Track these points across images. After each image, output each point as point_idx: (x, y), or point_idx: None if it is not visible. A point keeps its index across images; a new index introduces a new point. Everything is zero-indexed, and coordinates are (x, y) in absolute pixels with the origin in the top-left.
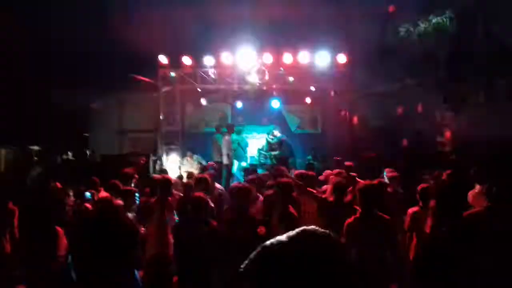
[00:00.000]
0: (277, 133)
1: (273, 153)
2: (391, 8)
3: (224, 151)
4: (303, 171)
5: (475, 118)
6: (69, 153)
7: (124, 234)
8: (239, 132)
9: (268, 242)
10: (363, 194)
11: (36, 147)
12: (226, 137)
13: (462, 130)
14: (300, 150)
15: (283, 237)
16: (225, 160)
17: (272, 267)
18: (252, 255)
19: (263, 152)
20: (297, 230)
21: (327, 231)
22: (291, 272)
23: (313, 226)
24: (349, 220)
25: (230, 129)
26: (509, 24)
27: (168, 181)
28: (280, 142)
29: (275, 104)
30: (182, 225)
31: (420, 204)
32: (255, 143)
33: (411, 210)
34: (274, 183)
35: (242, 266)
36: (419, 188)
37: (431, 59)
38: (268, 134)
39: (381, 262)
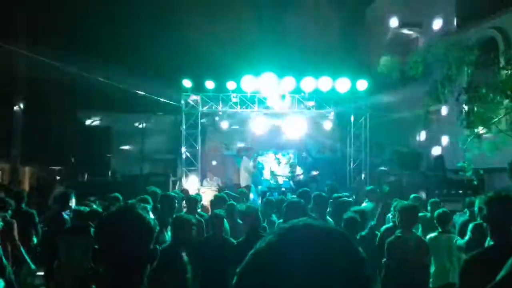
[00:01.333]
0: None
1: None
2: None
3: (243, 174)
4: None
5: (496, 143)
6: (86, 175)
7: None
8: (255, 157)
9: (258, 246)
10: None
11: (58, 167)
12: (246, 160)
13: (484, 155)
14: (320, 175)
15: (274, 235)
16: (243, 183)
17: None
18: (242, 268)
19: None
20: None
21: (330, 225)
22: (293, 267)
23: (305, 219)
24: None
25: (250, 153)
26: None
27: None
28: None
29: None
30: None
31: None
32: (269, 166)
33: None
34: None
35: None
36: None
37: (450, 84)
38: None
39: None
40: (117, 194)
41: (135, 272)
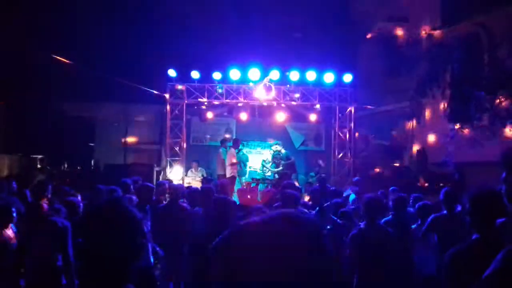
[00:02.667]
0: (281, 149)
1: (277, 169)
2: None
3: (228, 164)
4: None
5: (478, 139)
6: (65, 164)
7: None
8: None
9: (242, 222)
10: None
11: (40, 156)
12: (231, 151)
13: (465, 150)
14: (303, 167)
15: (257, 218)
16: (228, 174)
17: (241, 246)
18: (224, 233)
19: (267, 166)
20: (275, 212)
21: (309, 216)
22: (260, 253)
23: (292, 210)
24: None
25: (236, 144)
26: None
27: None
28: (286, 158)
29: (280, 120)
30: None
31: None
32: (259, 158)
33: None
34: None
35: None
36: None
37: (436, 79)
38: (272, 149)
39: None
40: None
41: (122, 266)
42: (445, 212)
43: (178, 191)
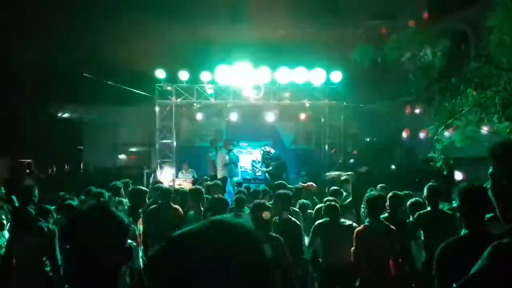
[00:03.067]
0: (271, 150)
1: (267, 169)
2: (383, 29)
3: (219, 165)
4: None
5: (465, 134)
6: (55, 168)
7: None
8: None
9: (176, 233)
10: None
11: (28, 160)
12: (222, 152)
13: (454, 146)
14: (293, 166)
15: (190, 228)
16: (220, 175)
17: (176, 256)
18: (161, 245)
19: (257, 167)
20: (205, 220)
21: (240, 221)
22: (195, 262)
23: (223, 216)
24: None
25: (226, 145)
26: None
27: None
28: (275, 158)
29: (270, 119)
30: None
31: None
32: (249, 158)
33: None
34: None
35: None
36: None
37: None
38: (262, 149)
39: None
40: (102, 190)
41: (109, 271)
42: (428, 208)
43: (168, 192)
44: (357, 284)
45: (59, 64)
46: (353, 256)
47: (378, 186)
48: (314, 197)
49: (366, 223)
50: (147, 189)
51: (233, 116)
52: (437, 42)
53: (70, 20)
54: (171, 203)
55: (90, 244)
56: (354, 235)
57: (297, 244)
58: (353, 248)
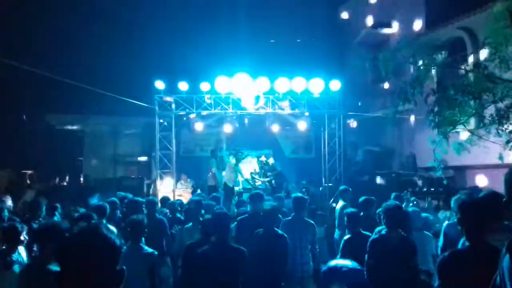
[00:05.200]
0: (271, 160)
1: (267, 179)
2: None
3: (228, 173)
4: None
5: (464, 143)
6: (57, 179)
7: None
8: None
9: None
10: None
11: (29, 171)
12: (231, 163)
13: (453, 155)
14: (294, 175)
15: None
16: (230, 183)
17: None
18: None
19: (256, 178)
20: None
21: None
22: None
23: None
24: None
25: (235, 155)
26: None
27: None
28: (271, 169)
29: (270, 129)
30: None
31: None
32: (248, 168)
33: None
34: None
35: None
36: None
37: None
38: (259, 160)
39: None
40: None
41: None
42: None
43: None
44: None
45: (59, 75)
46: (365, 266)
47: (392, 195)
48: None
49: (383, 233)
50: (143, 200)
51: (233, 126)
52: (433, 53)
53: (71, 32)
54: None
55: (80, 267)
56: (369, 244)
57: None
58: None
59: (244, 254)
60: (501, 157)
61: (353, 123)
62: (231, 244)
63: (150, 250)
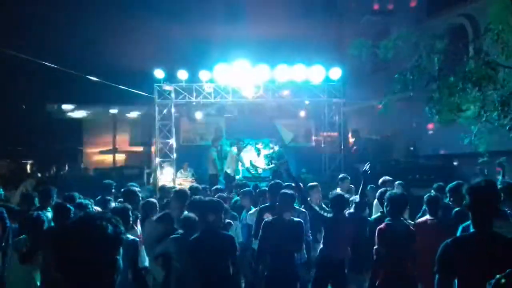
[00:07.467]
0: (275, 146)
1: (272, 165)
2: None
3: (229, 162)
4: None
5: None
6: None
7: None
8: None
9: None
10: None
11: (30, 161)
12: (233, 152)
13: (453, 142)
14: (293, 163)
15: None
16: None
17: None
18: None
19: (256, 165)
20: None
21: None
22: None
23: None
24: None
25: (237, 144)
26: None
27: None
28: (278, 157)
29: (270, 117)
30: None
31: None
32: (248, 156)
33: None
34: None
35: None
36: None
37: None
38: (266, 147)
39: None
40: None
41: (98, 284)
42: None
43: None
44: (377, 283)
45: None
46: (374, 254)
47: (396, 183)
48: None
49: (388, 221)
50: (139, 189)
51: (233, 114)
52: (433, 41)
53: (69, 20)
54: None
55: (76, 257)
56: (376, 233)
57: None
58: (375, 246)
59: (234, 240)
60: None
61: (353, 111)
62: (221, 232)
63: (131, 237)
